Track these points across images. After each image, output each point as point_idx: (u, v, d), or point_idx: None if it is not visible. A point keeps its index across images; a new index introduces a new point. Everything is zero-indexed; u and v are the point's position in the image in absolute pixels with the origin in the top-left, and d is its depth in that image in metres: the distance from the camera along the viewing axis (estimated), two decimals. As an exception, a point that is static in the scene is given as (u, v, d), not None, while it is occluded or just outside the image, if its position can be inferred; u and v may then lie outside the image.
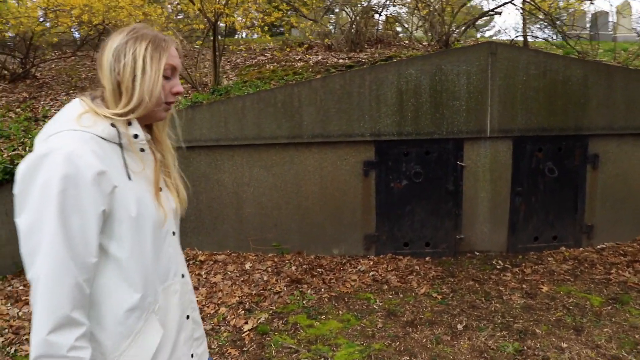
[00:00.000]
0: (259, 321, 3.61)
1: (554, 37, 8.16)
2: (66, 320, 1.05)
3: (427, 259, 4.78)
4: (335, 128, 4.57)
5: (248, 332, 3.48)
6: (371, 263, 4.63)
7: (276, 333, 3.45)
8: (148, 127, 1.32)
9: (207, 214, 4.78)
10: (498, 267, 4.57)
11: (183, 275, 1.35)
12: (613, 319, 3.54)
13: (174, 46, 1.26)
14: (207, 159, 4.71)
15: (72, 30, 7.76)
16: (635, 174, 4.94)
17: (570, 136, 4.80)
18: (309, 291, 4.09)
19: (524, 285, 4.14)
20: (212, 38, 5.95)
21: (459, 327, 3.47)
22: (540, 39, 8.40)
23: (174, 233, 1.33)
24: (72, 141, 1.10)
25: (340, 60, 6.12)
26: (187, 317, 1.36)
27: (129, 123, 1.21)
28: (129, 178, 1.18)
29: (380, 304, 3.88)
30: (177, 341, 1.30)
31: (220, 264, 4.58)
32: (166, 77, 1.23)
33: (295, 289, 4.13)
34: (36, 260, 1.06)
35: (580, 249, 4.95)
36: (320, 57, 6.42)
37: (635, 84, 4.75)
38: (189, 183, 1.44)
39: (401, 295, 4.00)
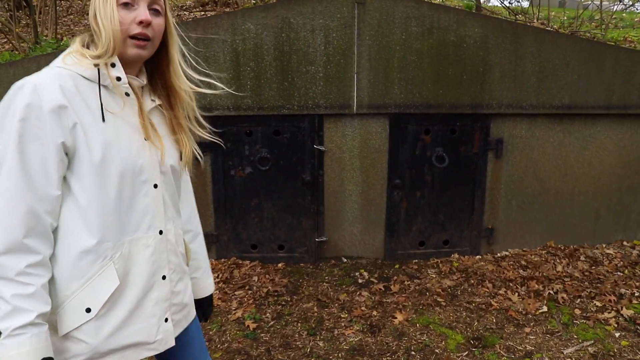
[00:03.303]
0: None
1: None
2: (18, 245, 1.06)
3: (279, 265, 3.82)
4: (155, 98, 3.52)
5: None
6: (202, 271, 3.66)
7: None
8: (158, 74, 1.30)
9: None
10: (360, 280, 3.60)
11: (161, 232, 1.26)
12: (458, 374, 2.58)
13: None
14: None
15: None
16: (549, 165, 3.89)
17: (467, 115, 3.72)
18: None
19: (374, 312, 3.18)
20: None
21: (239, 381, 2.52)
22: (500, 4, 7.09)
23: (155, 186, 1.24)
24: (45, 75, 1.12)
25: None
26: (164, 277, 1.28)
27: (113, 65, 1.17)
28: (103, 119, 1.16)
29: (169, 336, 2.93)
30: (144, 298, 1.24)
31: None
32: (125, 5, 1.14)
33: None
34: None
35: (478, 256, 3.96)
36: (203, 14, 5.28)
37: (549, 49, 3.63)
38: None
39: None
